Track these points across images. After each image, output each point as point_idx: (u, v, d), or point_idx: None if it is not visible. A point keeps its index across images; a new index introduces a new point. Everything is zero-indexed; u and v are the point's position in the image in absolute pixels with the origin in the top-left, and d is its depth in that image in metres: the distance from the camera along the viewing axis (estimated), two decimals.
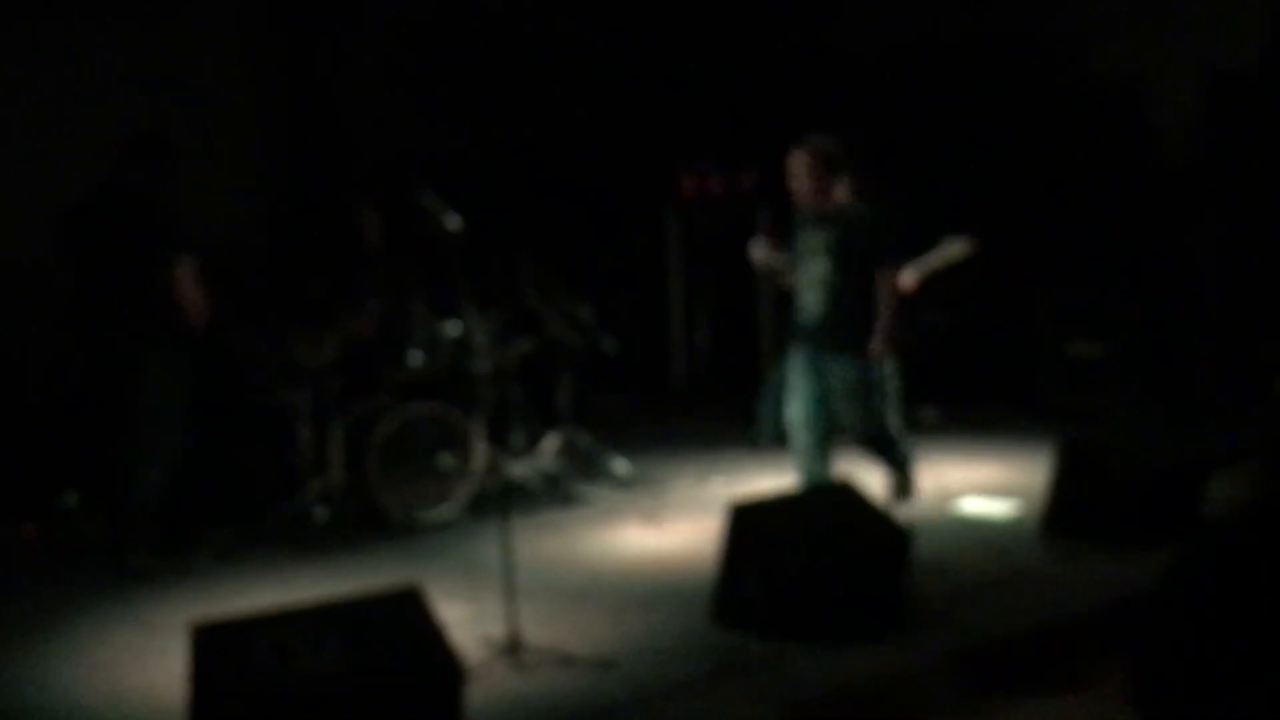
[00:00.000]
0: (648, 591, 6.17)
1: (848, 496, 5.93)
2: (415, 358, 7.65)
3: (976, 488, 7.73)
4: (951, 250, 8.39)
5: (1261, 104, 9.22)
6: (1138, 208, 9.72)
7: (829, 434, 6.80)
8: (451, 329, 7.71)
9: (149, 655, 5.40)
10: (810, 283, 6.73)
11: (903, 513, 6.66)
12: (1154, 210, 9.66)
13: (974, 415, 9.48)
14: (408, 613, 4.51)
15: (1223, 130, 9.51)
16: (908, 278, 8.45)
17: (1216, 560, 2.56)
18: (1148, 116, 9.84)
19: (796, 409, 6.80)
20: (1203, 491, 6.54)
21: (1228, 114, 9.48)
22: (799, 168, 6.66)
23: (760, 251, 6.88)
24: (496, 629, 5.38)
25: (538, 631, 5.44)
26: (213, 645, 4.32)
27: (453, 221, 6.76)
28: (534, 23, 9.72)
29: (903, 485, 7.06)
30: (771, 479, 7.46)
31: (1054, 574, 6.26)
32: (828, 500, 5.91)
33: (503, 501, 6.02)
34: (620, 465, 8.38)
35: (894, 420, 7.07)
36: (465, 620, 5.38)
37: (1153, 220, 9.65)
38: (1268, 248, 9.12)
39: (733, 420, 9.46)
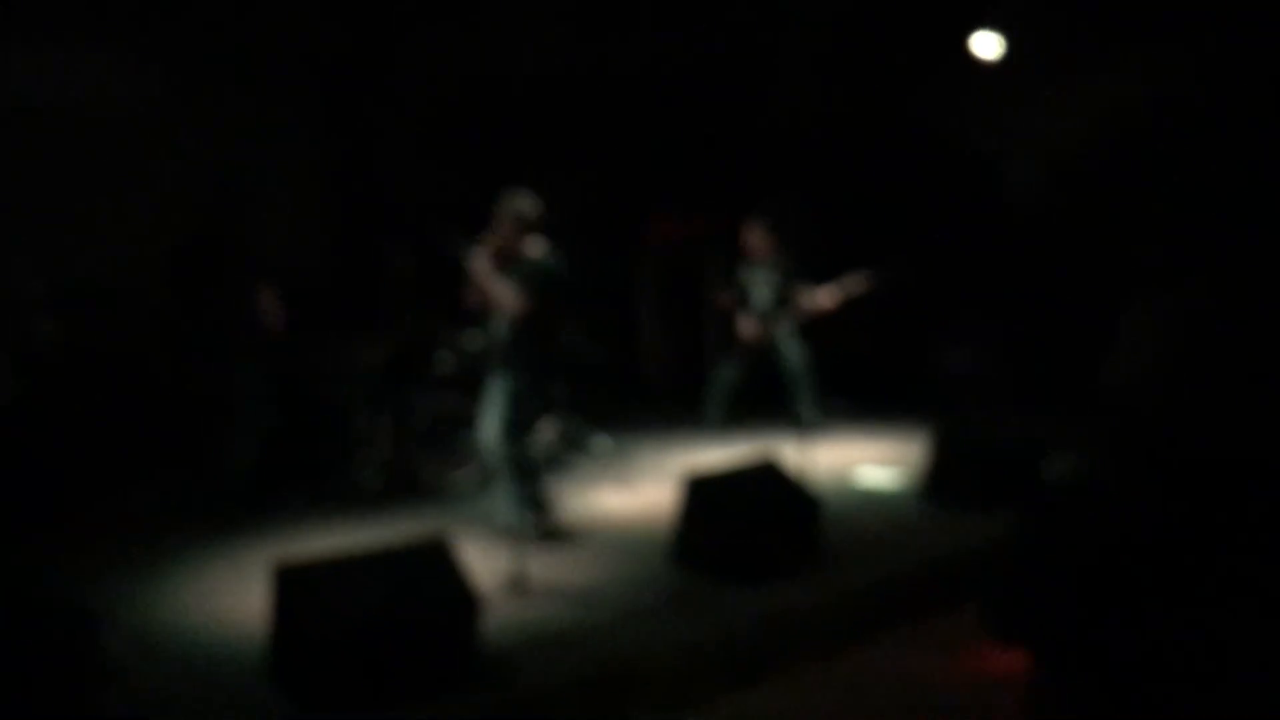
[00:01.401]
0: (622, 541, 6.20)
1: (773, 470, 5.98)
2: (444, 361, 7.67)
3: (872, 461, 7.80)
4: (853, 282, 8.50)
5: (1097, 174, 9.38)
6: (1002, 255, 9.84)
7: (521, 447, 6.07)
8: (471, 340, 7.73)
9: (239, 588, 5.42)
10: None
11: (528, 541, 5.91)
12: (1014, 257, 9.79)
13: (872, 409, 9.54)
14: (437, 556, 4.54)
15: (1065, 197, 9.64)
16: (825, 297, 8.55)
17: (1048, 515, 2.63)
18: (1003, 183, 9.96)
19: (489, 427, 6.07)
20: (1039, 467, 6.62)
21: (1068, 184, 9.62)
22: (502, 222, 6.05)
23: (480, 262, 6.04)
24: (506, 569, 5.42)
25: (538, 571, 5.48)
26: (289, 580, 4.35)
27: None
28: (530, 105, 9.75)
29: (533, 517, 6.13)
30: (717, 453, 7.50)
31: (928, 528, 6.33)
32: (758, 473, 5.95)
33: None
34: (601, 443, 8.41)
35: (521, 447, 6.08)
36: (482, 562, 5.39)
37: (1013, 264, 9.78)
38: (1100, 286, 9.26)
39: (688, 409, 9.50)
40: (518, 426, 6.01)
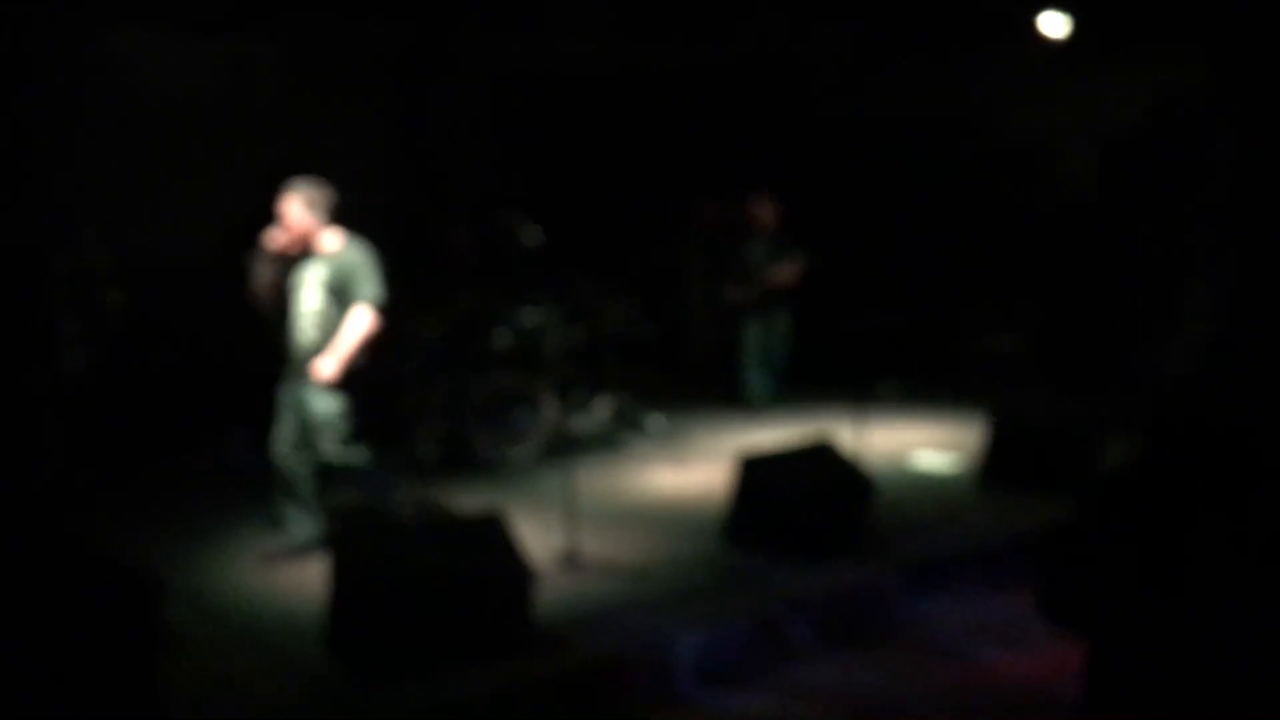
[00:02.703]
0: (674, 518, 6.19)
1: (827, 452, 5.94)
2: (501, 337, 7.68)
3: (927, 445, 7.71)
4: (801, 258, 8.71)
5: (1141, 160, 9.25)
6: (1043, 240, 9.73)
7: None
8: (529, 317, 7.74)
9: (298, 556, 5.44)
10: (301, 313, 5.42)
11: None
12: (1055, 241, 9.68)
13: (926, 392, 9.43)
14: (492, 529, 4.55)
15: (1112, 180, 9.52)
16: (785, 272, 8.65)
17: (1107, 502, 2.57)
18: (1053, 169, 9.85)
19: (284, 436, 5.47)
20: (1097, 452, 6.51)
21: (1117, 168, 9.49)
22: (291, 210, 5.35)
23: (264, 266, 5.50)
24: (559, 544, 5.43)
25: (591, 546, 5.48)
26: (348, 549, 4.39)
27: (532, 236, 6.77)
28: (585, 93, 9.78)
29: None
30: (771, 433, 7.46)
31: (982, 511, 6.25)
32: (812, 454, 5.90)
33: (566, 448, 6.06)
34: (655, 421, 8.40)
35: (328, 458, 5.44)
36: (535, 536, 5.40)
37: (1054, 248, 9.67)
38: (1144, 269, 9.11)
39: (734, 388, 9.41)
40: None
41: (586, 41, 9.13)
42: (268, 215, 5.46)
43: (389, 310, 5.45)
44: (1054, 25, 8.94)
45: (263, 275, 5.50)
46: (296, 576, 5.22)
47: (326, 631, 4.46)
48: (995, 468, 6.73)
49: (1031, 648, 4.65)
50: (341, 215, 5.49)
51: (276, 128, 8.19)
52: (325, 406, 5.35)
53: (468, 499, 6.33)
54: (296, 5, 8.23)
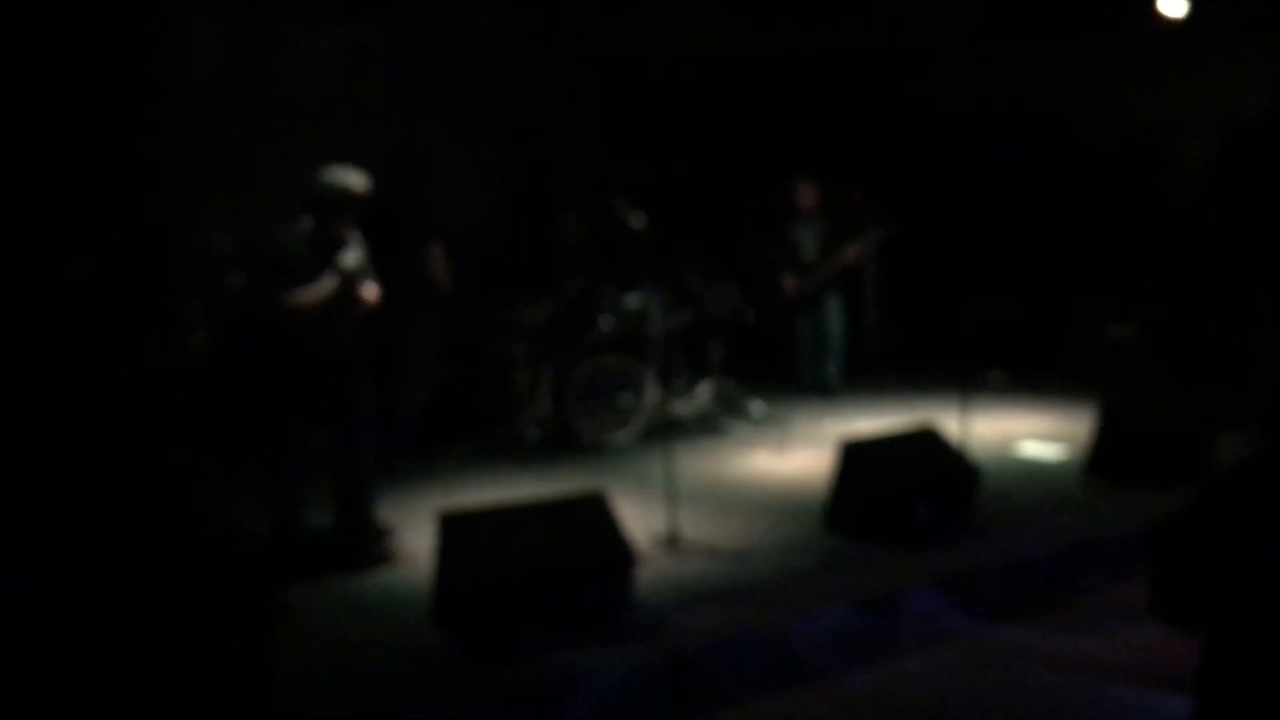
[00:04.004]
0: (774, 503, 6.14)
1: (931, 438, 5.82)
2: (606, 322, 7.70)
3: (1033, 434, 7.51)
4: (873, 238, 8.54)
5: (1265, 145, 8.86)
6: (1161, 223, 9.39)
7: None
8: (633, 301, 7.74)
9: (407, 532, 5.53)
10: None
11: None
12: (1174, 224, 9.33)
13: (1032, 381, 9.18)
14: (594, 510, 4.57)
15: (1233, 166, 9.13)
16: (850, 253, 8.41)
17: (1225, 498, 2.45)
18: (1171, 152, 9.49)
19: None
20: (1212, 445, 6.27)
21: (1238, 153, 9.11)
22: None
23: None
24: (660, 526, 5.42)
25: (690, 529, 5.47)
26: (453, 528, 4.44)
27: (637, 221, 6.76)
28: (690, 77, 9.73)
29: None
30: (872, 421, 7.34)
31: (1091, 504, 6.06)
32: (916, 440, 5.79)
33: (667, 431, 6.05)
34: (756, 407, 8.33)
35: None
36: (636, 518, 5.40)
37: (1173, 232, 9.32)
38: (1265, 255, 8.75)
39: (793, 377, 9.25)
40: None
41: (698, 26, 9.07)
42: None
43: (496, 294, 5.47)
44: (1173, 5, 8.61)
45: None
46: (405, 553, 5.31)
47: (432, 608, 4.52)
48: (1103, 458, 6.51)
49: (1142, 642, 4.50)
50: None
51: (389, 115, 8.31)
52: None
53: (570, 481, 6.36)
54: None
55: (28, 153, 6.53)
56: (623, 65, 9.65)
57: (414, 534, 5.44)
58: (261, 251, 5.17)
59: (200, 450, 6.69)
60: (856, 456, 5.59)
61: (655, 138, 9.61)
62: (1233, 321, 8.86)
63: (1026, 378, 9.26)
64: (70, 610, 3.42)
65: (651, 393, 7.51)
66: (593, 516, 4.54)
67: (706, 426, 7.94)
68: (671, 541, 5.31)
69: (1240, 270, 8.88)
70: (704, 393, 8.13)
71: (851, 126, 10.20)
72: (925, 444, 5.78)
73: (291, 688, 3.90)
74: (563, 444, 7.31)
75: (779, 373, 9.07)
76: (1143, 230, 9.48)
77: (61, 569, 3.58)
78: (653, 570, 4.86)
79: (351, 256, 5.08)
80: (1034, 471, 6.70)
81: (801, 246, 8.82)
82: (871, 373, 9.55)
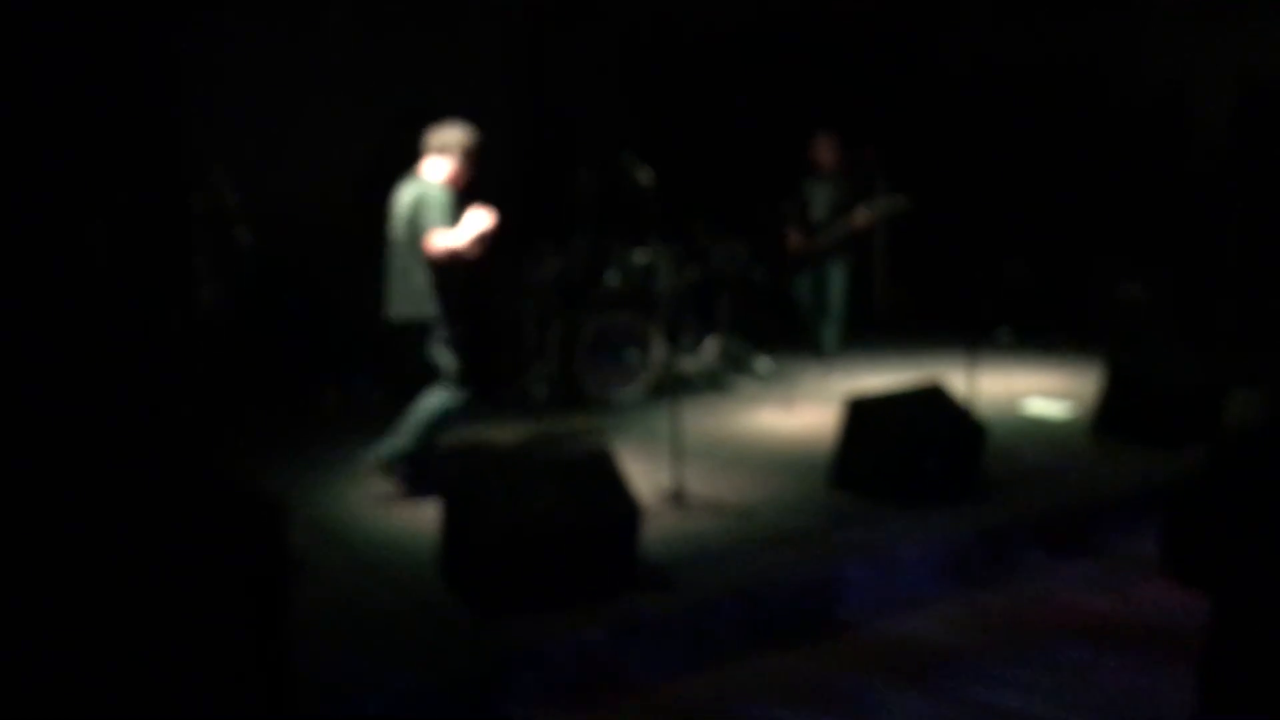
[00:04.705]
0: (780, 460, 6.13)
1: (938, 396, 5.78)
2: (613, 278, 7.66)
3: (1040, 392, 7.47)
4: (887, 204, 8.13)
5: None
6: (1175, 184, 9.27)
7: None
8: (641, 257, 7.69)
9: (414, 489, 5.51)
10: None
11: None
12: (1188, 185, 9.21)
13: (1041, 340, 9.12)
14: (601, 466, 4.55)
15: (1254, 124, 8.99)
16: (861, 217, 8.18)
17: (1238, 459, 2.42)
18: (1188, 113, 9.35)
19: None
20: (1221, 406, 6.22)
21: (1259, 111, 8.96)
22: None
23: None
24: (666, 482, 5.41)
25: (697, 486, 5.46)
26: (459, 485, 4.42)
27: (646, 177, 6.70)
28: (706, 35, 9.61)
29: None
30: (879, 378, 7.32)
31: (1098, 463, 6.03)
32: (922, 398, 5.75)
33: (674, 388, 6.02)
34: (763, 364, 8.31)
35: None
36: (643, 474, 5.40)
37: (1187, 192, 9.21)
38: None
39: (850, 331, 9.17)
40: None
41: None
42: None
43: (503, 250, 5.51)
44: None
45: None
46: (414, 508, 5.31)
47: (440, 563, 4.52)
48: (1111, 417, 6.48)
49: (1150, 599, 4.49)
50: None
51: (401, 71, 8.22)
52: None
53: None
54: None
55: (50, 117, 6.47)
56: (643, 21, 9.52)
57: (421, 490, 5.44)
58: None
59: (212, 408, 6.69)
60: (863, 414, 5.56)
61: (671, 95, 9.52)
62: (1243, 284, 8.80)
63: (1036, 336, 9.22)
64: (83, 571, 3.42)
65: (659, 349, 7.48)
66: (599, 472, 4.52)
67: (713, 383, 7.92)
68: (678, 497, 5.30)
69: (1254, 232, 8.80)
70: (711, 349, 8.10)
71: (870, 86, 10.07)
72: (932, 401, 5.74)
73: (298, 639, 3.90)
74: (570, 400, 7.30)
75: (787, 330, 9.00)
76: (1158, 190, 9.38)
77: (75, 534, 3.57)
78: (659, 526, 4.85)
79: None
80: (1041, 429, 6.67)
81: (812, 204, 8.65)
82: (879, 330, 9.50)
